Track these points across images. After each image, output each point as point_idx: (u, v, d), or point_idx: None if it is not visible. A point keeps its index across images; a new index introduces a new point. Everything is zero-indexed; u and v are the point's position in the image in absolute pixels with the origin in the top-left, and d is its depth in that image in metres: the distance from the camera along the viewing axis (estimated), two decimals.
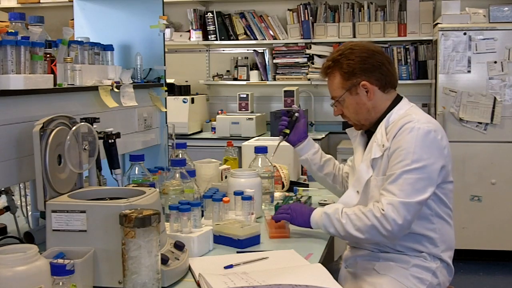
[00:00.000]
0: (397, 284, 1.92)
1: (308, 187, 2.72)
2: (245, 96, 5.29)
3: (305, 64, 5.31)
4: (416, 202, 1.83)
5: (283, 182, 2.62)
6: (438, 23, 4.51)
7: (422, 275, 1.94)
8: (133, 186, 1.83)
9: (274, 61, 5.39)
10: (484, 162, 4.39)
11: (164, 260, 1.48)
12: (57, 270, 1.23)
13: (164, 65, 2.80)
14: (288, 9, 5.32)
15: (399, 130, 1.91)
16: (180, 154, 2.38)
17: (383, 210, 1.82)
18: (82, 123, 1.76)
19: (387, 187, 1.86)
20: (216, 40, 5.43)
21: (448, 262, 2.00)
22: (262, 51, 5.43)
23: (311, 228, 1.97)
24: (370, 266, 1.98)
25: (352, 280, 2.03)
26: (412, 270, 1.93)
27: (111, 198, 1.58)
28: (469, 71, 4.34)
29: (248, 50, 5.57)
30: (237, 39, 5.42)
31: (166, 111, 2.86)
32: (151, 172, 2.15)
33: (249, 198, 1.99)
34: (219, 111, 5.46)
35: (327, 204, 2.42)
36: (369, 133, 2.10)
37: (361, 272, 2.00)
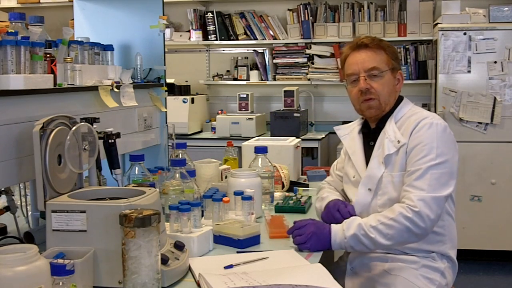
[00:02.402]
0: (410, 284, 1.90)
1: (308, 187, 2.72)
2: (245, 96, 5.28)
3: (305, 64, 5.31)
4: (444, 197, 1.85)
5: (283, 182, 2.62)
6: (438, 23, 4.51)
7: (431, 275, 1.94)
8: (133, 186, 1.83)
9: (274, 61, 5.38)
10: (484, 162, 4.39)
11: (164, 260, 1.48)
12: (57, 270, 1.23)
13: (164, 65, 2.80)
14: (288, 9, 5.32)
15: (415, 126, 1.93)
16: (180, 154, 2.38)
17: (415, 207, 1.80)
18: (82, 123, 1.76)
19: (414, 183, 1.85)
20: (216, 40, 5.43)
21: (454, 260, 2.01)
22: (262, 51, 5.43)
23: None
24: (380, 267, 1.97)
25: (361, 281, 2.00)
26: (422, 271, 1.93)
27: (111, 198, 1.58)
28: (469, 71, 4.33)
29: (248, 50, 5.57)
30: (237, 39, 5.41)
31: (166, 111, 2.86)
32: (151, 172, 2.15)
33: (249, 198, 1.99)
34: (219, 111, 5.46)
35: None
36: (366, 132, 2.10)
37: (370, 274, 1.98)
